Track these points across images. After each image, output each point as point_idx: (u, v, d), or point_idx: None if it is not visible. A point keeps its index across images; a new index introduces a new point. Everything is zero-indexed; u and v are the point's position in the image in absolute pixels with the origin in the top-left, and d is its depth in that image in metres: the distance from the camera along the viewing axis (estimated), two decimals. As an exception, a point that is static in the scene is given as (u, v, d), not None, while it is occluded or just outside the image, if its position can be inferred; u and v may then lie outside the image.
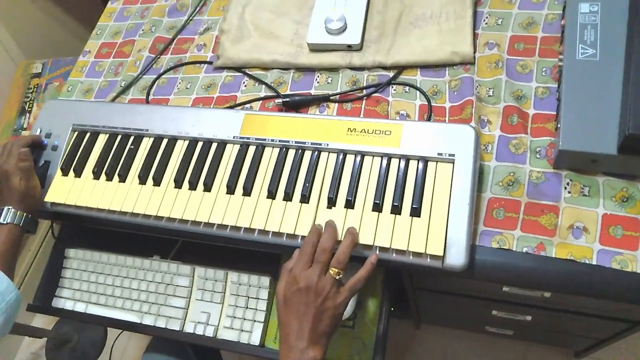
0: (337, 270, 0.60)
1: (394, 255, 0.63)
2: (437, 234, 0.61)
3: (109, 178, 0.78)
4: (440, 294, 0.90)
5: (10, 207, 0.73)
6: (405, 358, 1.31)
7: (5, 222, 0.72)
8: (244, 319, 0.76)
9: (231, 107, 0.84)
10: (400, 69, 0.81)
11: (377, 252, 0.63)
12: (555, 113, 0.71)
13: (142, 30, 1.01)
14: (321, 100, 0.82)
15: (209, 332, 0.77)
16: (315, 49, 0.86)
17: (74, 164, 0.81)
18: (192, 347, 0.89)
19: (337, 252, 0.61)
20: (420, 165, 0.66)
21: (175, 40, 0.98)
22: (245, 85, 0.88)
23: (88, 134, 0.83)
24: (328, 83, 0.84)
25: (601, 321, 0.83)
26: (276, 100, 0.82)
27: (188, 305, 0.80)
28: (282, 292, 0.61)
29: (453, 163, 0.65)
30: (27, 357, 1.54)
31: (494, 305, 0.89)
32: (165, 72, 0.93)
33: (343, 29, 0.84)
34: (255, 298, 0.77)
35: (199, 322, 0.78)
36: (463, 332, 1.29)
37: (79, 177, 0.80)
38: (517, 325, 1.00)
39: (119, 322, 0.82)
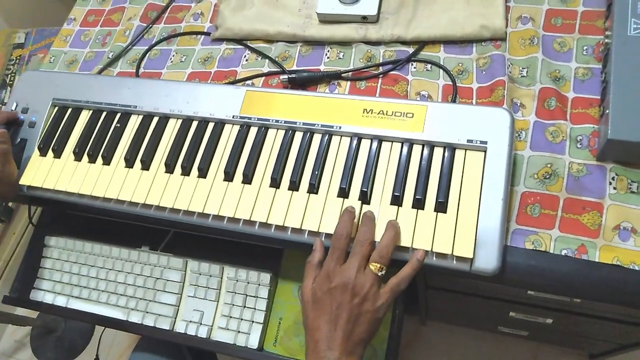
0: (379, 266, 0.52)
1: (415, 255, 0.55)
2: (466, 233, 0.54)
3: (92, 160, 0.70)
4: (455, 293, 0.83)
5: None
6: (409, 355, 1.24)
7: None
8: (241, 320, 0.69)
9: (231, 83, 0.75)
10: (421, 44, 0.73)
11: (396, 251, 0.55)
12: (599, 97, 0.63)
13: (133, -4, 0.92)
14: (332, 78, 0.73)
15: (202, 333, 0.70)
16: (326, 19, 0.77)
17: (53, 143, 0.72)
18: (188, 347, 0.81)
19: (379, 245, 0.53)
20: (447, 153, 0.58)
21: (169, 8, 0.89)
22: (247, 60, 0.79)
23: (69, 110, 0.75)
24: (339, 59, 0.75)
25: (632, 328, 0.75)
26: (281, 77, 0.73)
27: (179, 302, 0.73)
28: (310, 291, 0.53)
29: (485, 151, 0.57)
30: (10, 346, 1.47)
31: (513, 307, 0.82)
32: (157, 43, 0.84)
33: (357, -2, 0.75)
34: (254, 296, 0.70)
35: (191, 321, 0.71)
36: (471, 330, 1.23)
37: (59, 157, 0.71)
38: (533, 327, 0.93)
39: (103, 318, 0.75)
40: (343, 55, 0.75)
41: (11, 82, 1.13)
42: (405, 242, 0.55)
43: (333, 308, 0.51)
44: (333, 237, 0.55)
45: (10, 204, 0.71)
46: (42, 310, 0.79)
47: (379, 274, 0.52)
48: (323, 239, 0.58)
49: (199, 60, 0.80)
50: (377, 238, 0.55)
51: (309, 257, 0.56)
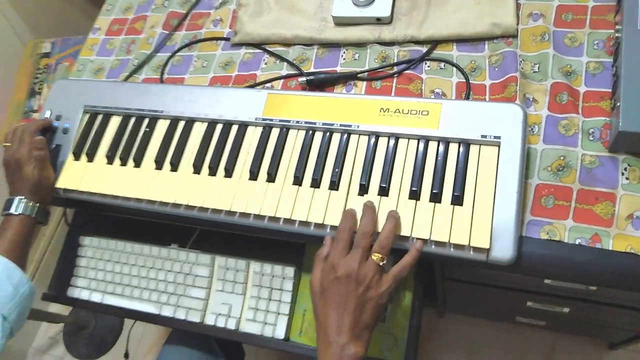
0: (380, 256, 0.55)
1: (433, 247, 0.58)
2: (482, 224, 0.56)
3: (123, 163, 0.74)
4: (473, 284, 0.85)
5: (22, 198, 0.69)
6: (428, 347, 1.27)
7: (17, 213, 0.68)
8: (268, 312, 0.72)
9: (251, 87, 0.79)
10: (434, 43, 0.75)
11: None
12: (610, 90, 0.64)
13: (155, 5, 0.96)
14: (348, 79, 0.76)
15: (231, 325, 0.73)
16: (341, 22, 0.79)
17: (86, 148, 0.76)
18: (216, 339, 0.85)
19: (380, 236, 0.56)
20: (462, 148, 0.60)
21: (189, 15, 0.92)
22: (266, 63, 0.82)
23: (100, 116, 0.79)
24: (355, 60, 0.77)
25: (649, 315, 0.77)
26: (299, 79, 0.76)
27: (208, 296, 0.76)
28: (318, 282, 0.56)
29: (499, 146, 0.59)
30: (44, 342, 1.53)
31: (530, 296, 0.84)
32: (179, 49, 0.88)
33: (371, 1, 0.77)
34: (279, 289, 0.73)
35: (220, 314, 0.74)
36: (489, 321, 1.24)
37: (92, 161, 0.76)
38: (551, 316, 0.94)
39: (137, 313, 0.78)
40: (358, 56, 0.78)
41: (39, 90, 1.18)
42: (422, 234, 0.57)
43: (339, 297, 0.54)
44: (337, 230, 0.58)
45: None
46: (79, 306, 0.83)
47: (381, 263, 0.55)
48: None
49: (220, 65, 0.84)
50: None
51: (318, 250, 0.59)
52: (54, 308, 1.47)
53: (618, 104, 0.58)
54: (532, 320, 1.03)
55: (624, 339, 1.03)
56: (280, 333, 0.71)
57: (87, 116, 0.79)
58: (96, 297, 0.81)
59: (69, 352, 1.48)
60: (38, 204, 0.71)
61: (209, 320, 0.74)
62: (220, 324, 0.74)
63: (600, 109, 0.64)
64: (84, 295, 0.82)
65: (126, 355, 1.43)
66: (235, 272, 0.75)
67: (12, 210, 0.68)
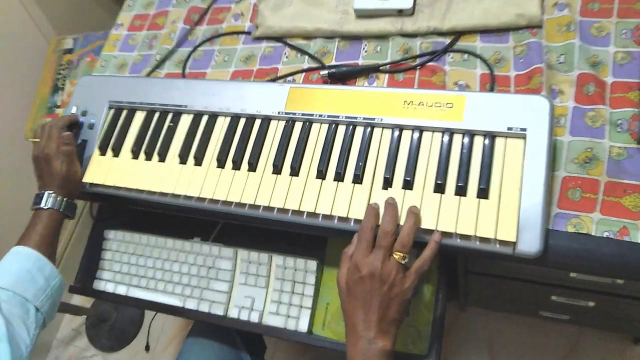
0: (402, 255, 0.56)
1: (459, 240, 0.58)
2: (509, 217, 0.56)
3: (148, 157, 0.75)
4: (496, 278, 0.84)
5: (51, 192, 0.71)
6: (449, 341, 1.26)
7: (46, 207, 0.70)
8: (291, 305, 0.73)
9: (273, 80, 0.79)
10: (457, 34, 0.74)
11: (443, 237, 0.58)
12: (638, 81, 0.63)
13: (176, 0, 0.96)
14: (370, 71, 0.75)
15: (254, 318, 0.74)
16: (363, 14, 0.79)
17: (111, 143, 0.77)
18: (239, 332, 0.86)
19: (401, 234, 0.56)
20: (487, 141, 0.60)
21: (210, 10, 0.93)
22: (287, 57, 0.82)
23: (125, 111, 0.80)
24: (377, 52, 0.77)
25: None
26: (321, 72, 0.76)
27: (231, 289, 0.77)
28: (344, 281, 0.58)
29: (525, 138, 0.58)
30: (68, 334, 1.56)
31: (554, 290, 0.83)
32: (201, 44, 0.88)
33: (393, -8, 0.77)
34: (302, 283, 0.73)
35: (243, 307, 0.75)
36: (511, 316, 1.24)
37: (117, 156, 0.77)
38: (576, 310, 0.93)
39: (162, 305, 0.80)
40: (380, 49, 0.77)
41: (62, 86, 1.20)
42: (448, 227, 0.57)
43: (365, 295, 0.55)
44: (359, 230, 0.58)
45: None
46: (105, 298, 0.85)
47: (403, 262, 0.56)
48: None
49: (241, 59, 0.84)
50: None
51: (346, 248, 0.60)
52: (77, 300, 1.50)
53: (648, 94, 0.57)
54: (555, 315, 1.02)
55: (649, 334, 1.02)
56: (303, 326, 0.71)
57: (112, 111, 0.80)
58: (121, 290, 0.82)
59: (92, 344, 1.51)
60: (66, 198, 0.72)
61: (232, 313, 0.75)
62: (244, 317, 0.74)
63: (628, 99, 0.63)
64: (109, 287, 0.83)
65: (147, 347, 1.46)
66: (258, 266, 0.76)
67: (42, 205, 0.70)
